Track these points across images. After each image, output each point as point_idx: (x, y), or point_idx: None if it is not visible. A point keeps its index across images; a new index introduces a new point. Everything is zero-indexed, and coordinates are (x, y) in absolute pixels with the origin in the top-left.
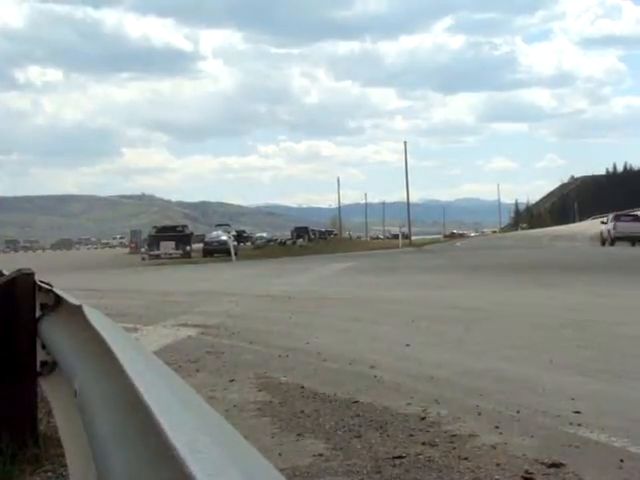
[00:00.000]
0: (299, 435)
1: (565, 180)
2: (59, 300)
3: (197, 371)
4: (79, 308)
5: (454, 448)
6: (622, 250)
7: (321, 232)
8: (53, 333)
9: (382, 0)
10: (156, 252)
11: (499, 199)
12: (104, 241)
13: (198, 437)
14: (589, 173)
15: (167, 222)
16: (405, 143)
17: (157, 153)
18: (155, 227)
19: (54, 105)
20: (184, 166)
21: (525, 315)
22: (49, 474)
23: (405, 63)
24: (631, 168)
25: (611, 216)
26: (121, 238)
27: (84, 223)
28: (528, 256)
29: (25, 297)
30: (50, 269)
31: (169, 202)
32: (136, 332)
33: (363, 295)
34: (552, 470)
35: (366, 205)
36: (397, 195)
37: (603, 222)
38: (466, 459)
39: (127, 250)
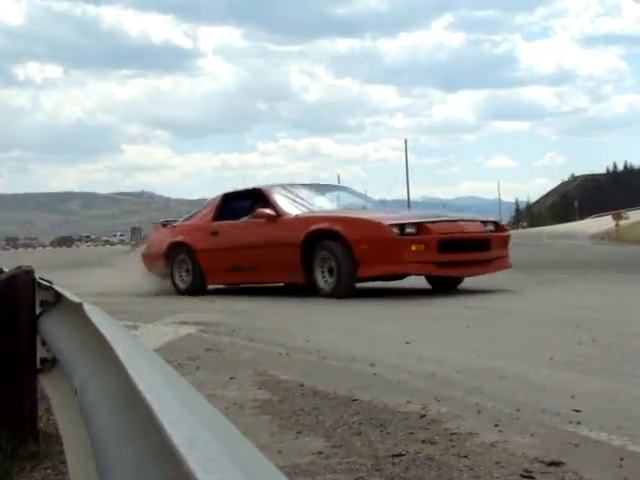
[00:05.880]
0: (299, 433)
1: (565, 178)
2: (59, 297)
3: (197, 369)
4: (79, 305)
5: (453, 446)
6: (623, 249)
7: None
8: (53, 330)
9: None
10: None
11: (499, 197)
12: (104, 238)
13: (198, 434)
14: (589, 172)
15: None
16: (405, 141)
17: (157, 150)
18: (155, 224)
19: (54, 102)
20: (184, 163)
21: (526, 313)
22: (48, 471)
23: (405, 61)
24: (631, 167)
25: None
26: (121, 235)
27: (84, 220)
28: (528, 254)
29: (25, 294)
30: (51, 266)
31: (169, 199)
32: (136, 330)
33: (364, 292)
34: (552, 469)
35: None
36: (397, 193)
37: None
38: (465, 457)
39: (128, 247)
